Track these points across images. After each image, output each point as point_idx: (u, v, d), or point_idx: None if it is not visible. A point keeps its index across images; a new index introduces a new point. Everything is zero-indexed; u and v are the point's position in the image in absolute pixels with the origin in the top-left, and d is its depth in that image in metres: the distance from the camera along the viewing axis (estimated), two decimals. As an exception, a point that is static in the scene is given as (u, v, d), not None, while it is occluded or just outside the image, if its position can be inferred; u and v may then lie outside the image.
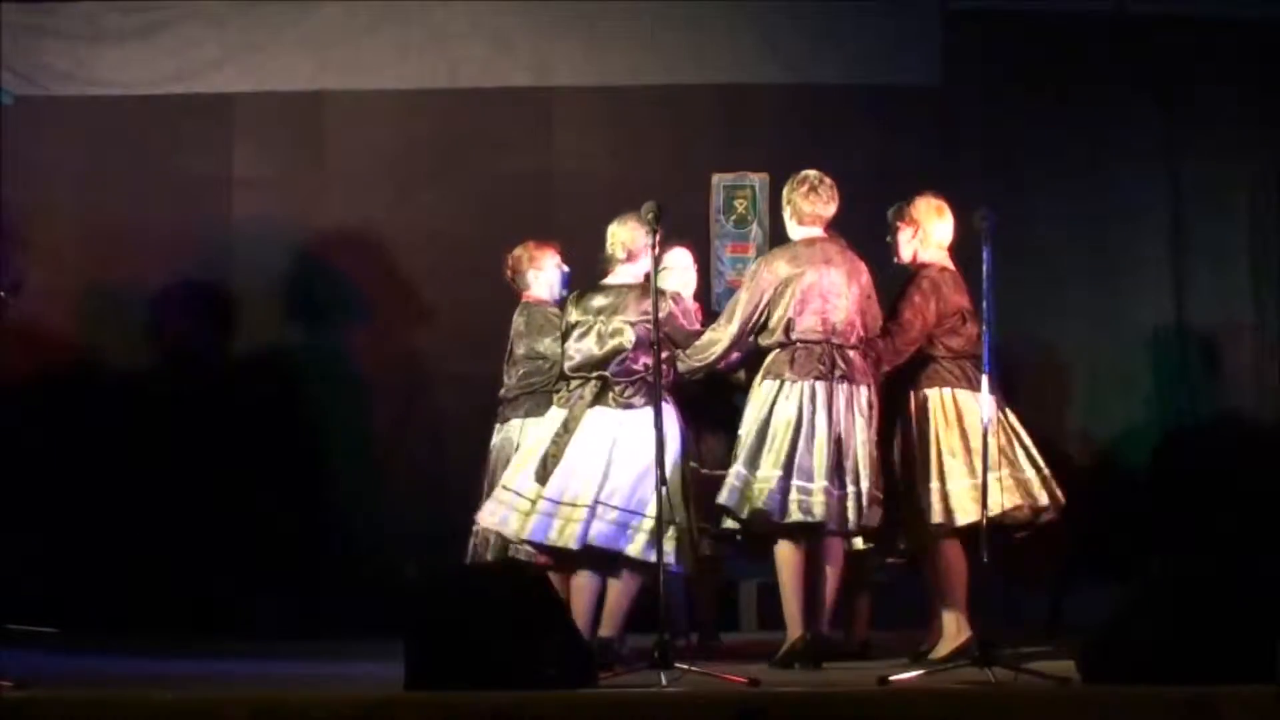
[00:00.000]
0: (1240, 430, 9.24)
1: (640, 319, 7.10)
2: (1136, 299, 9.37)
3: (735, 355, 7.24)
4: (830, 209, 7.27)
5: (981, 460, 6.70)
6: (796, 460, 7.00)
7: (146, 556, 9.02)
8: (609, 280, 7.29)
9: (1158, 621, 5.94)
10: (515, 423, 7.68)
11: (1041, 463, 7.30)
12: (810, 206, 7.27)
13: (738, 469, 7.07)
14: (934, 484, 7.18)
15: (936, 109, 9.36)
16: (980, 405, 6.60)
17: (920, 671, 6.48)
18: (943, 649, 7.11)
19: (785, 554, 7.03)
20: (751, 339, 7.19)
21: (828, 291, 7.13)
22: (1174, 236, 9.35)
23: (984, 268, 6.53)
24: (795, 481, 6.99)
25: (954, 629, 7.13)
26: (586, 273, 7.52)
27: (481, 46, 9.49)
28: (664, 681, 6.22)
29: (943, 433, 7.22)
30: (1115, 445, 9.27)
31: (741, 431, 7.12)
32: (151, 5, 9.48)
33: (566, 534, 7.04)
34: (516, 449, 7.53)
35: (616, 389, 7.15)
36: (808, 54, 9.39)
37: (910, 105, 9.34)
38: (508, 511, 7.14)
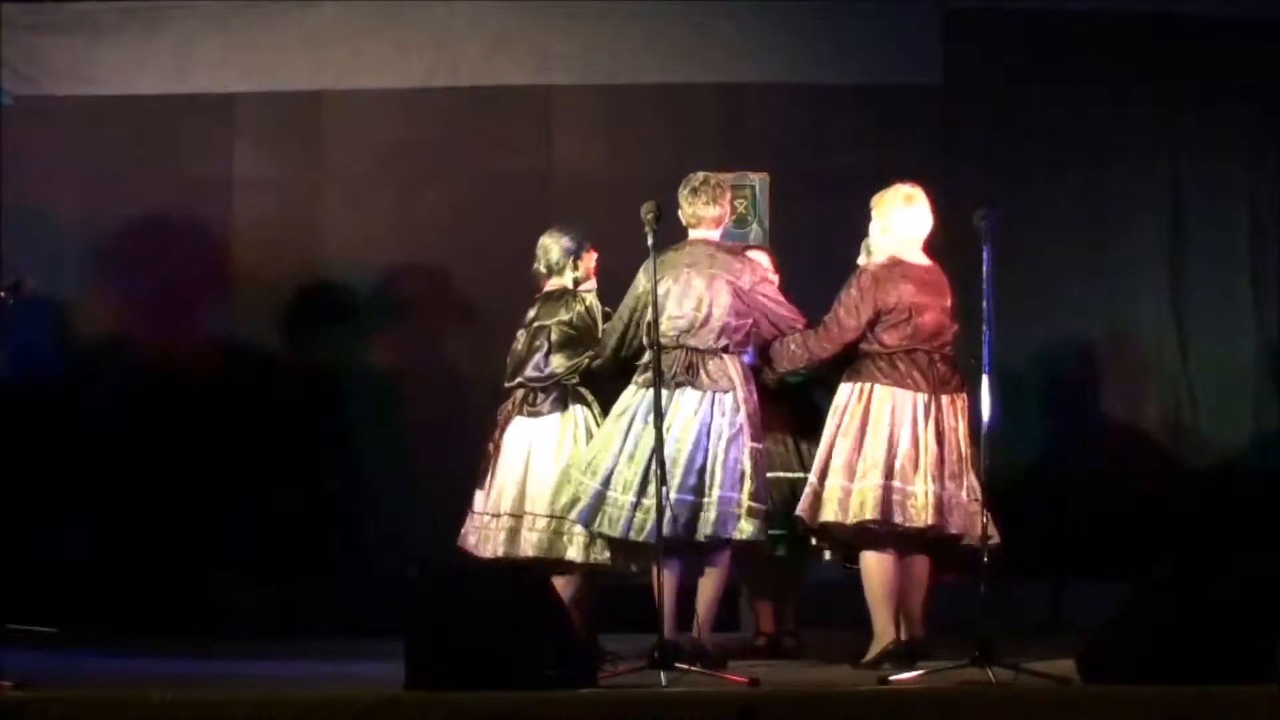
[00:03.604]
0: (1239, 430, 9.25)
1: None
2: (1135, 299, 9.36)
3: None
4: (712, 210, 7.30)
5: (938, 463, 6.92)
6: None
7: (146, 556, 9.02)
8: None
9: (1158, 621, 5.96)
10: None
11: (954, 482, 7.07)
12: (692, 208, 7.31)
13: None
14: (812, 478, 7.14)
15: (936, 109, 9.36)
16: (982, 408, 6.59)
17: (920, 671, 6.48)
18: (870, 652, 7.08)
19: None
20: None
21: (682, 295, 7.17)
22: (1173, 237, 9.34)
23: (984, 268, 6.53)
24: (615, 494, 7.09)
25: (878, 631, 7.09)
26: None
27: (481, 45, 9.47)
28: (664, 681, 6.22)
29: (843, 427, 7.12)
30: (1115, 445, 9.27)
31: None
32: (151, 5, 9.47)
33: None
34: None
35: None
36: (808, 54, 9.38)
37: (910, 105, 9.33)
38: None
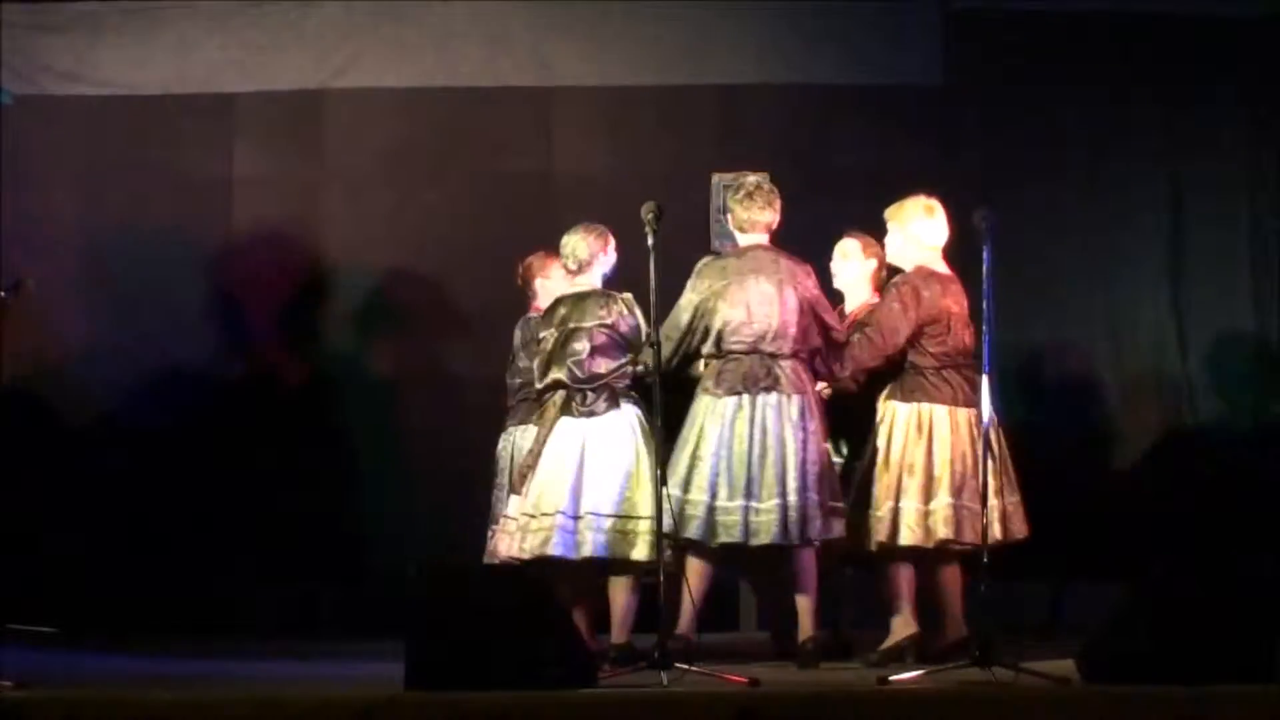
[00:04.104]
0: (1239, 430, 9.25)
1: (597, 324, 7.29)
2: (1135, 299, 9.36)
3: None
4: (766, 214, 7.29)
5: (961, 474, 6.99)
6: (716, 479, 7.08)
7: (147, 556, 9.02)
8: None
9: (1158, 621, 5.95)
10: (514, 429, 7.70)
11: (1010, 491, 7.17)
12: (746, 213, 7.30)
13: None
14: (888, 502, 7.13)
15: (936, 109, 9.36)
16: (982, 408, 6.58)
17: (920, 671, 6.48)
18: (887, 642, 7.12)
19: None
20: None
21: (751, 302, 7.16)
22: (1173, 237, 9.34)
23: (984, 267, 6.53)
24: (719, 502, 7.05)
25: (898, 625, 7.15)
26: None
27: (481, 46, 9.48)
28: (664, 681, 6.22)
29: (908, 449, 7.13)
30: (1116, 445, 9.27)
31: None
32: (151, 5, 9.48)
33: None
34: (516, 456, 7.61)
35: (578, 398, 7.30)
36: (808, 54, 9.39)
37: (910, 105, 9.34)
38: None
